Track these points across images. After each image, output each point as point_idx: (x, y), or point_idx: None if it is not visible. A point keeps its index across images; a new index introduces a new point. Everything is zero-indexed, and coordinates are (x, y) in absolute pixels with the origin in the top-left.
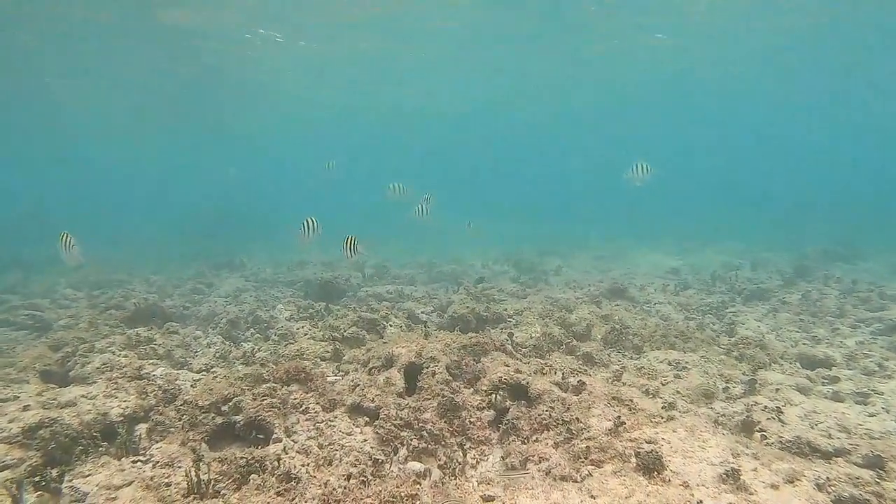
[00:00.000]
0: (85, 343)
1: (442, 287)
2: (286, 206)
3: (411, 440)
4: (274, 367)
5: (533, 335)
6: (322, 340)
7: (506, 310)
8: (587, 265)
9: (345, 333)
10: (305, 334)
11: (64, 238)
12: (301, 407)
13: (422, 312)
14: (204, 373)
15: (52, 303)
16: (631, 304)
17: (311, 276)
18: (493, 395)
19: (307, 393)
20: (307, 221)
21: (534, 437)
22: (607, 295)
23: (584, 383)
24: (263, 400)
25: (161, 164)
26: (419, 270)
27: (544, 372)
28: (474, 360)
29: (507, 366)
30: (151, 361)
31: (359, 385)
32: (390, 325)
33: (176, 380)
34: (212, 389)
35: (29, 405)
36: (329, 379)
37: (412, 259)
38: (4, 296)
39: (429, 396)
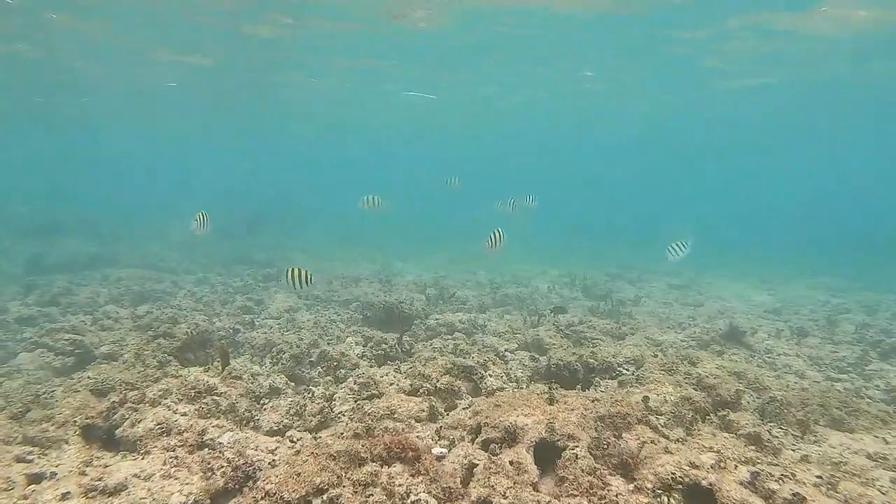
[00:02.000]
0: (134, 389)
1: (514, 313)
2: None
3: None
4: (370, 440)
5: (668, 398)
6: (412, 394)
7: (614, 357)
8: (665, 294)
9: (437, 384)
10: (391, 383)
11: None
12: (409, 498)
13: (507, 350)
14: (278, 437)
15: (94, 322)
16: (749, 352)
17: (370, 296)
18: (666, 499)
19: (415, 476)
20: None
21: None
22: (720, 340)
23: (803, 499)
24: (368, 495)
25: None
26: (481, 292)
27: (723, 465)
28: (614, 434)
29: (670, 453)
30: (215, 423)
31: (477, 466)
32: (489, 375)
33: (247, 449)
34: (298, 475)
35: (69, 492)
36: (435, 452)
37: (470, 276)
38: (47, 309)
39: (575, 492)
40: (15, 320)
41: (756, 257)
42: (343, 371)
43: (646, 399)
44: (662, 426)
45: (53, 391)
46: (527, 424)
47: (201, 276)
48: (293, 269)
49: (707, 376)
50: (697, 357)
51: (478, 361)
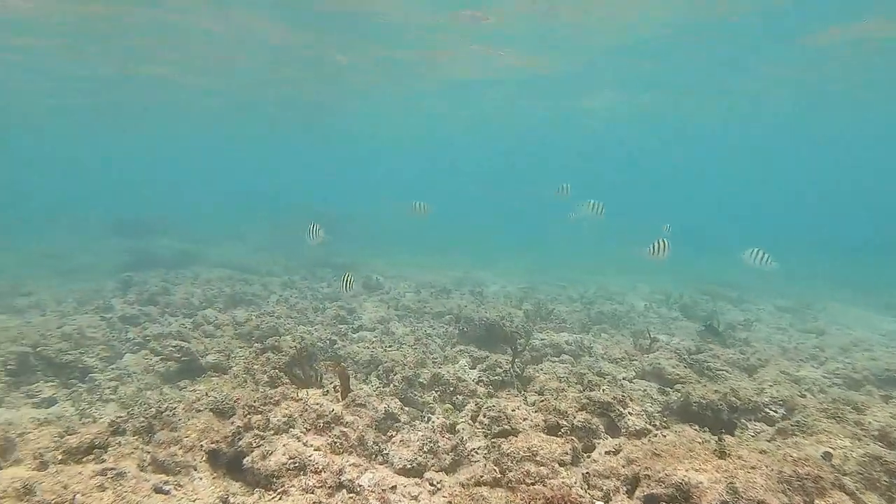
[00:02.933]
0: (257, 413)
1: (610, 332)
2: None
3: None
4: (528, 493)
5: (849, 455)
6: (549, 431)
7: (758, 395)
8: (776, 319)
9: (574, 421)
10: (524, 418)
11: (312, 226)
12: None
13: (625, 379)
14: (416, 479)
15: (196, 327)
16: None
17: (464, 309)
18: None
19: None
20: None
21: None
22: (874, 381)
23: None
24: None
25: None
26: (573, 307)
27: None
28: (805, 500)
29: None
30: (351, 461)
31: None
32: (629, 413)
33: (388, 493)
34: None
35: None
36: None
37: (559, 289)
38: (146, 308)
39: None
40: (119, 319)
41: (857, 271)
42: (460, 397)
43: (828, 455)
44: (859, 492)
45: (175, 409)
46: (701, 483)
47: (286, 279)
48: (347, 275)
49: (888, 428)
50: (862, 402)
51: (613, 396)
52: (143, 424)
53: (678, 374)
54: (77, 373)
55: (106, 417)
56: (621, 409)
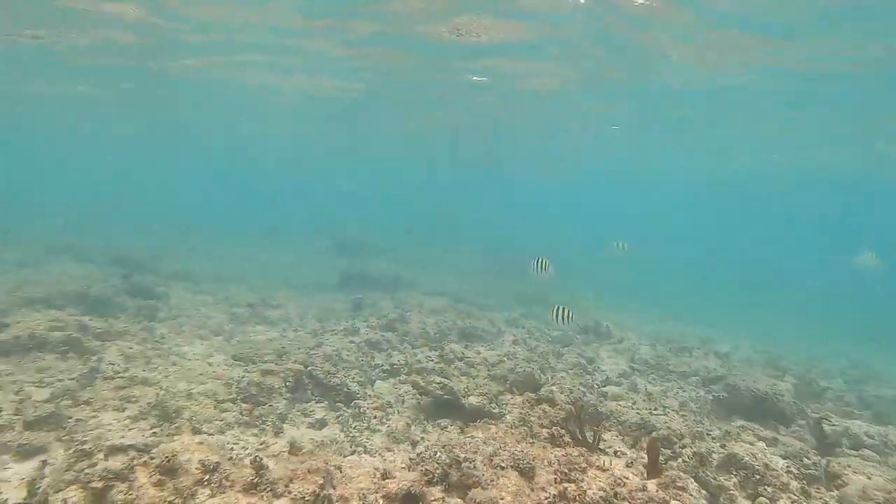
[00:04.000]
0: (568, 481)
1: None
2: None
3: None
4: None
5: None
6: None
7: None
8: None
9: None
10: None
11: (539, 261)
12: None
13: None
14: None
15: (441, 358)
16: None
17: (712, 371)
18: None
19: None
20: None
21: None
22: None
23: None
24: None
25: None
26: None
27: None
28: None
29: None
30: None
31: None
32: None
33: None
34: None
35: None
36: None
37: (811, 362)
38: (387, 335)
39: None
40: (365, 343)
41: None
42: (769, 489)
43: None
44: None
45: (473, 460)
46: None
47: (507, 315)
48: (557, 307)
49: None
50: None
51: None
52: (440, 473)
53: None
54: (342, 396)
55: (399, 456)
56: None
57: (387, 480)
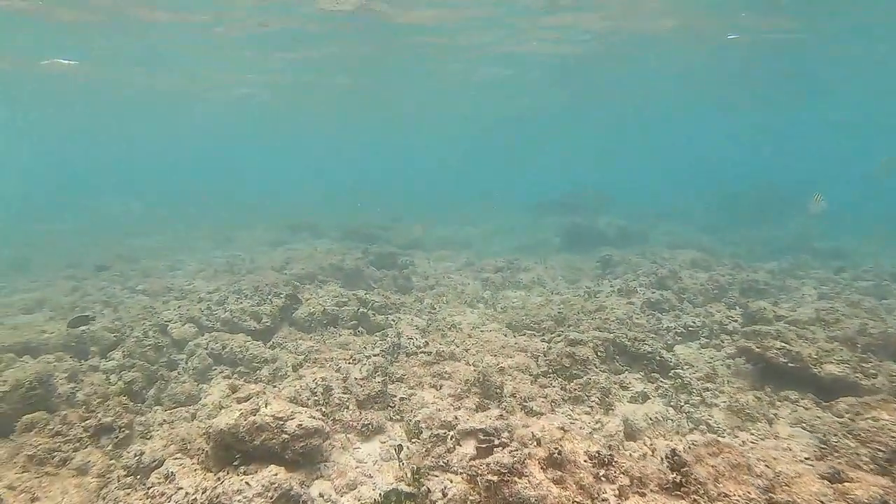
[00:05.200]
0: None
1: None
2: None
3: None
4: None
5: None
6: None
7: None
8: None
9: None
10: None
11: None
12: None
13: None
14: None
15: (752, 318)
16: None
17: None
18: None
19: None
20: None
21: None
22: None
23: None
24: None
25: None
26: None
27: None
28: None
29: None
30: None
31: None
32: None
33: None
34: None
35: None
36: None
37: None
38: (664, 293)
39: None
40: (644, 303)
41: None
42: None
43: None
44: None
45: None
46: None
47: (776, 265)
48: None
49: None
50: None
51: None
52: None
53: None
54: (654, 365)
55: (797, 443)
56: None
57: (841, 485)
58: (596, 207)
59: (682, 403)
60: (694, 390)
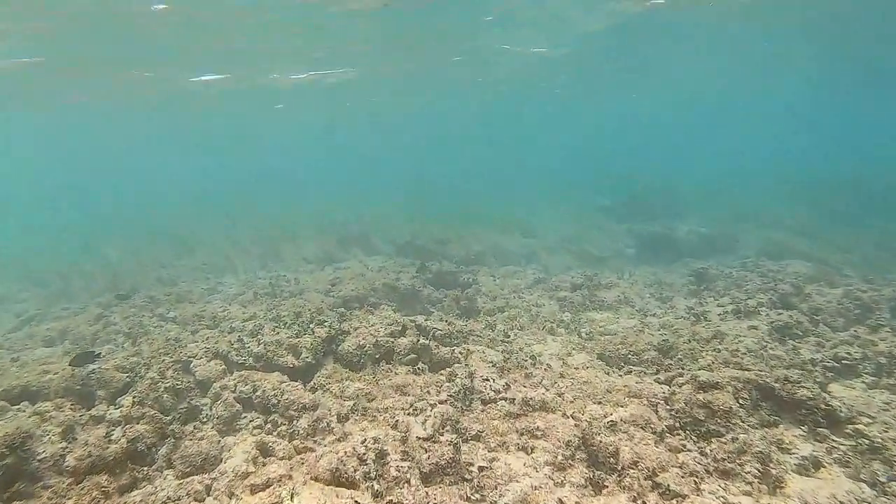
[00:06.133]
0: None
1: None
2: None
3: None
4: None
5: None
6: None
7: None
8: None
9: None
10: None
11: None
12: None
13: None
14: None
15: None
16: None
17: None
18: None
19: None
20: None
21: None
22: None
23: None
24: None
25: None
26: None
27: None
28: None
29: None
30: None
31: None
32: None
33: None
34: None
35: None
36: None
37: None
38: (795, 314)
39: None
40: (772, 328)
41: None
42: None
43: None
44: None
45: None
46: None
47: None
48: None
49: None
50: None
51: None
52: None
53: None
54: (820, 416)
55: None
56: None
57: None
58: (666, 210)
59: (878, 476)
60: (888, 454)
